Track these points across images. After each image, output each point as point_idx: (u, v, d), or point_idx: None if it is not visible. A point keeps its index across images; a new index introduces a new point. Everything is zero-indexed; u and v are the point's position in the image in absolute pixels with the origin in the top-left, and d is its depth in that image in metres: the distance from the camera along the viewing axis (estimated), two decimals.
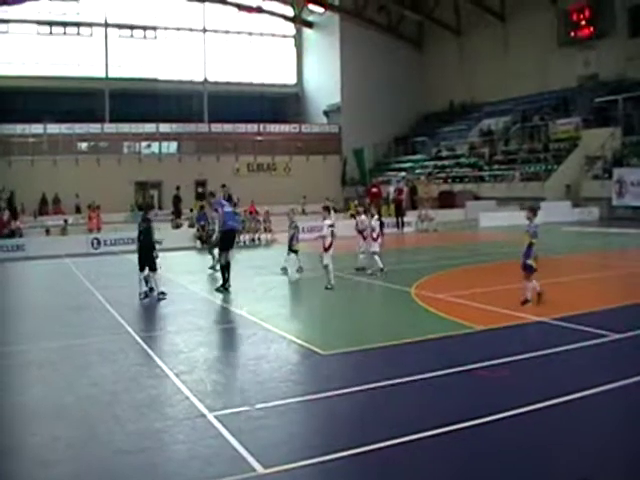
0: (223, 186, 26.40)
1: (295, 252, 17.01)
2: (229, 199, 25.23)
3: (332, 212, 21.19)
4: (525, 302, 11.51)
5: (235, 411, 6.78)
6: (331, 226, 14.83)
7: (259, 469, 5.42)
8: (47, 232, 29.98)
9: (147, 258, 13.72)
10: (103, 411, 7.04)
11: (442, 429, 6.07)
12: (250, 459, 5.59)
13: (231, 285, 14.44)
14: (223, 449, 5.86)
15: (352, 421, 6.69)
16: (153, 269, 13.80)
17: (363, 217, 17.18)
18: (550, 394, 6.88)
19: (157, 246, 14.00)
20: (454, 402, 6.97)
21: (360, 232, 16.92)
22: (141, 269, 13.80)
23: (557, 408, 6.60)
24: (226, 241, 14.59)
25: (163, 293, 13.82)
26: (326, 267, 14.48)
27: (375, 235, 16.39)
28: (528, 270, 11.55)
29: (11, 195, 33.35)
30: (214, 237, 16.13)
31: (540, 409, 6.54)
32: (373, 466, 5.57)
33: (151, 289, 13.90)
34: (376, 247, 16.28)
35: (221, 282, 14.49)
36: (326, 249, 14.46)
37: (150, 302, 13.63)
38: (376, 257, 16.20)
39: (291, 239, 17.14)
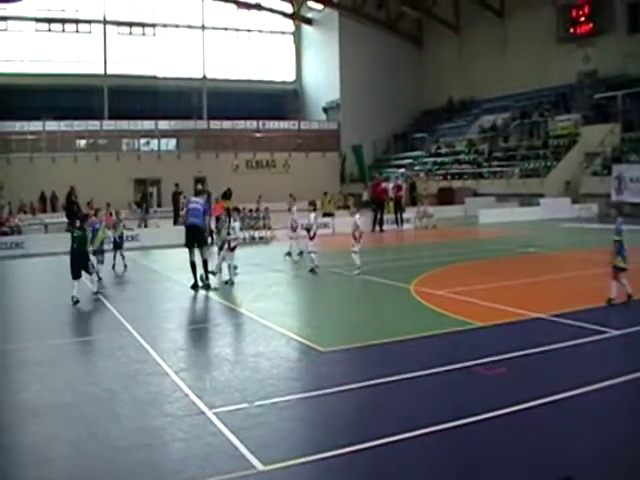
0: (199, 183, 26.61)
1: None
2: (209, 197, 25.37)
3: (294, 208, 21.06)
4: (610, 301, 11.08)
5: (234, 408, 6.78)
6: (234, 229, 15.14)
7: (258, 466, 5.42)
8: (46, 228, 29.97)
9: (81, 264, 13.49)
10: (102, 409, 7.04)
11: (441, 426, 6.07)
12: (249, 456, 5.60)
13: (204, 284, 14.45)
14: (222, 446, 5.86)
15: (351, 418, 6.69)
16: (89, 272, 13.74)
17: (312, 215, 17.16)
18: (548, 391, 6.88)
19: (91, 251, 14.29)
20: (453, 399, 6.97)
21: (307, 230, 16.83)
22: (74, 277, 13.34)
23: (556, 405, 6.60)
24: (187, 237, 14.59)
25: (97, 293, 13.86)
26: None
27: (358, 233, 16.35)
28: (615, 269, 11.17)
29: (71, 190, 32.45)
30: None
31: (538, 406, 6.54)
32: (372, 463, 5.57)
33: (75, 299, 13.53)
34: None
35: (208, 279, 14.67)
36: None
37: (148, 300, 13.63)
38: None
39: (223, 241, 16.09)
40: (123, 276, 17.21)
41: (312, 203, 17.82)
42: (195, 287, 14.25)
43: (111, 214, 19.11)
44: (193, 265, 14.29)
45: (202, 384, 7.63)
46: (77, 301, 13.16)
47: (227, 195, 26.48)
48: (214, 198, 24.80)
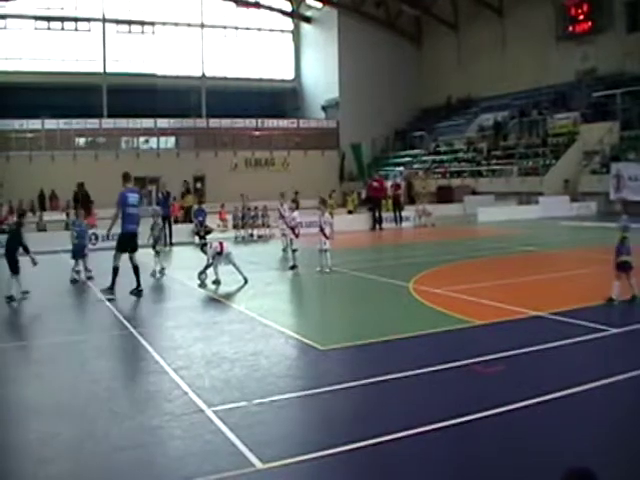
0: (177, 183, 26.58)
1: (157, 253, 16.52)
2: (167, 197, 25.48)
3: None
4: (610, 300, 10.90)
5: (233, 406, 6.78)
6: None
7: (257, 464, 5.42)
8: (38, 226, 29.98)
9: (10, 260, 13.36)
10: (101, 407, 7.05)
11: (439, 424, 6.08)
12: (248, 454, 5.60)
13: (139, 289, 13.65)
14: (221, 444, 5.87)
15: (350, 416, 6.70)
16: (15, 272, 13.39)
17: (295, 214, 17.22)
18: (547, 389, 6.89)
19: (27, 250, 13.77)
20: (451, 397, 6.98)
21: (292, 229, 16.95)
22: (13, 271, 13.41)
23: (554, 403, 6.61)
24: (124, 243, 13.66)
25: (11, 297, 13.30)
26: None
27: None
28: (621, 268, 10.92)
29: (78, 187, 32.04)
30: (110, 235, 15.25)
31: (537, 404, 6.55)
32: (371, 461, 5.58)
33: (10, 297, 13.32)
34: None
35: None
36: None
37: (146, 299, 13.63)
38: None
39: (156, 240, 16.71)
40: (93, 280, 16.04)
41: (294, 201, 17.94)
42: (139, 292, 13.59)
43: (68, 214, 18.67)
44: (116, 271, 13.50)
45: (201, 382, 7.64)
46: (16, 298, 13.28)
47: (188, 193, 26.56)
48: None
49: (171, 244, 23.91)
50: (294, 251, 16.66)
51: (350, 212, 33.76)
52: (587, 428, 6.22)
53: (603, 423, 6.29)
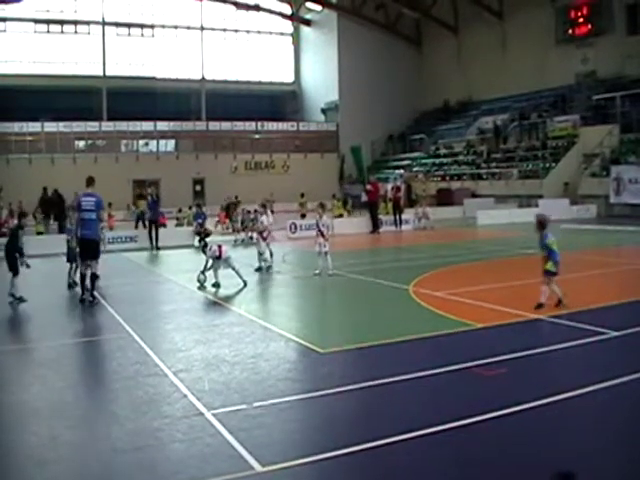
0: (149, 185, 26.74)
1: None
2: (157, 200, 25.43)
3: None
4: (539, 306, 10.89)
5: (233, 409, 6.77)
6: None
7: (257, 467, 5.41)
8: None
9: (9, 261, 13.35)
10: (102, 409, 7.04)
11: (440, 427, 6.07)
12: (248, 457, 5.59)
13: (95, 298, 13.32)
14: (221, 447, 5.86)
15: (350, 419, 6.69)
16: (15, 273, 13.36)
17: (263, 218, 17.33)
18: (548, 392, 6.88)
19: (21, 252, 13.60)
20: (452, 400, 6.97)
21: (260, 233, 17.10)
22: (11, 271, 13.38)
23: (555, 406, 6.60)
24: (82, 251, 13.43)
25: (20, 298, 13.28)
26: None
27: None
28: (545, 274, 10.99)
29: (44, 191, 32.25)
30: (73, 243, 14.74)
31: (537, 407, 6.54)
32: (371, 464, 5.56)
33: (12, 295, 13.32)
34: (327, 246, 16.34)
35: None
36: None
37: (146, 301, 13.62)
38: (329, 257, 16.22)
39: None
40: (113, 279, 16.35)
41: (263, 205, 18.02)
42: (83, 300, 13.30)
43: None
44: (84, 278, 13.36)
45: (201, 385, 7.63)
46: (18, 299, 13.23)
47: (141, 198, 26.63)
48: None
49: (157, 248, 23.89)
50: (260, 254, 16.96)
51: (340, 216, 33.90)
52: (589, 431, 6.21)
53: (605, 426, 6.27)
